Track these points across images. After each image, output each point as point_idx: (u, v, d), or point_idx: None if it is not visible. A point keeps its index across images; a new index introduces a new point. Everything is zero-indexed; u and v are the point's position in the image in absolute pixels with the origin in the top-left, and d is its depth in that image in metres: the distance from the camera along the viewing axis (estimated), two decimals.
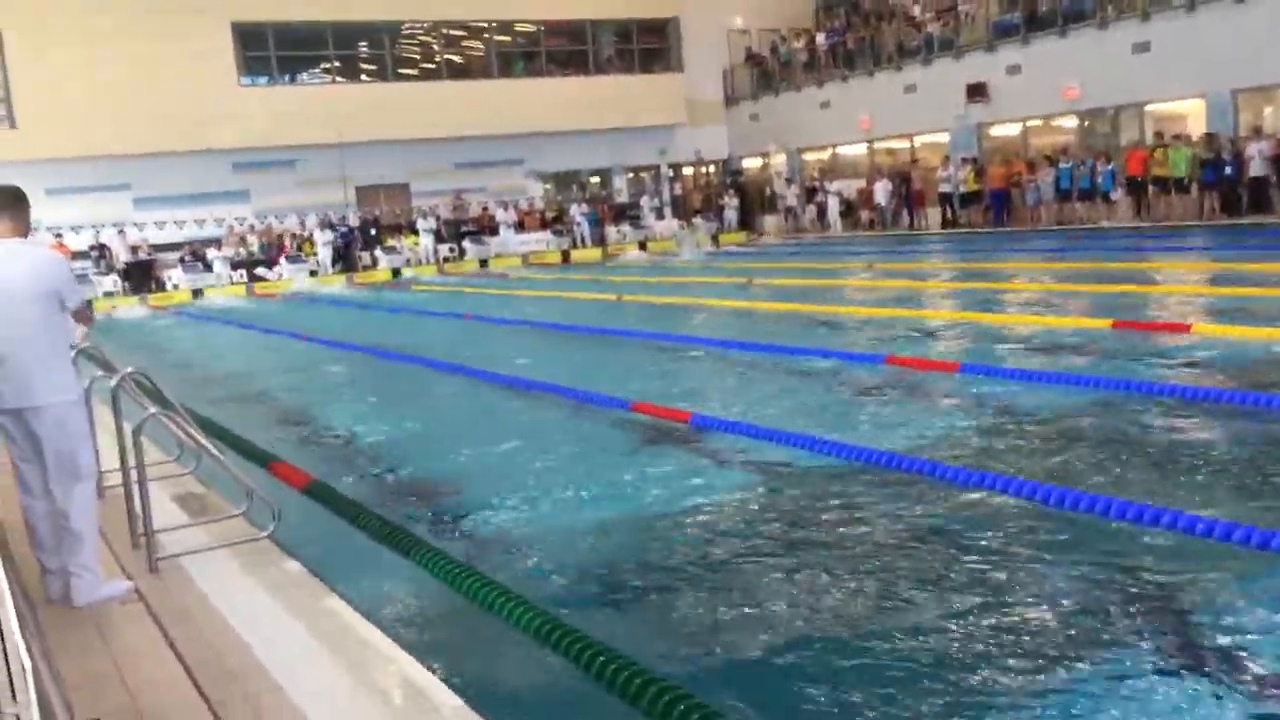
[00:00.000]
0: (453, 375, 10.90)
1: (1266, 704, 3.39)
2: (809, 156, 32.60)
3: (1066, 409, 7.25)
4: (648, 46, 34.02)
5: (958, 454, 6.40)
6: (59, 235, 26.37)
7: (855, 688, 3.70)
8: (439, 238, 29.63)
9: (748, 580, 4.77)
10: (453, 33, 31.78)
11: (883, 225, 28.17)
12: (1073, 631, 3.98)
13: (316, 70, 30.52)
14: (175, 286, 26.70)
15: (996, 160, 25.74)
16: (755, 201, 33.79)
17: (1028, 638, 3.95)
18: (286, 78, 29.90)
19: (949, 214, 26.38)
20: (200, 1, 27.37)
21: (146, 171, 27.90)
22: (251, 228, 29.44)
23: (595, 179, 34.80)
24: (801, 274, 18.74)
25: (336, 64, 30.47)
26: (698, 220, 31.74)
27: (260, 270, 27.71)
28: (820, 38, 31.55)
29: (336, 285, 26.95)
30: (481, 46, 32.27)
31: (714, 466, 6.70)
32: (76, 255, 25.54)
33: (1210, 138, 20.69)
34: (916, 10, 29.12)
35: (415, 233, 29.68)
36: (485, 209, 31.49)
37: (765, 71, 33.36)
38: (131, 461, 4.95)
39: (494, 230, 30.58)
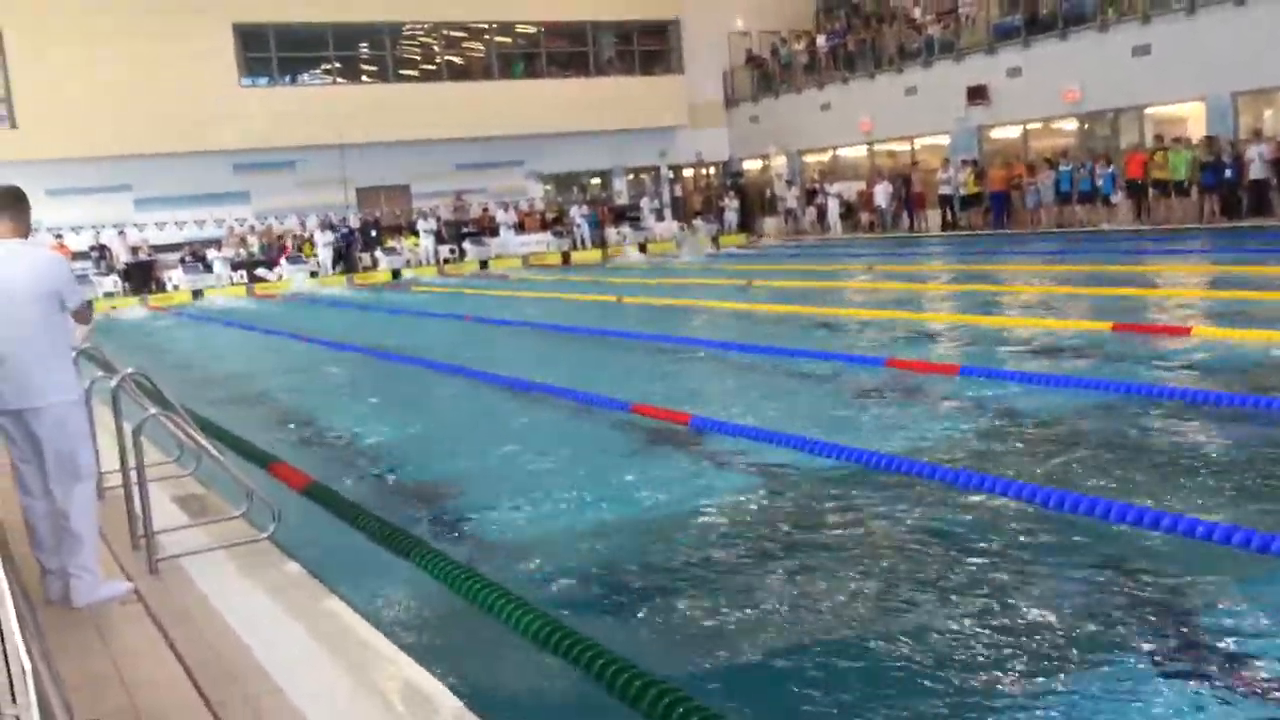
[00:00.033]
0: (453, 376, 10.90)
1: (1268, 707, 3.38)
2: (809, 158, 32.62)
3: (1066, 412, 7.25)
4: (648, 48, 34.04)
5: (958, 457, 6.40)
6: (59, 236, 26.37)
7: (855, 690, 3.70)
8: (439, 239, 29.63)
9: (747, 582, 4.77)
10: (453, 34, 31.78)
11: (883, 227, 28.18)
12: (1073, 634, 3.97)
13: (317, 71, 30.52)
14: (175, 287, 26.70)
15: (997, 163, 25.76)
16: (755, 203, 33.81)
17: (1028, 640, 3.95)
18: (287, 78, 29.90)
19: (949, 216, 26.40)
20: (201, 2, 27.38)
21: (147, 172, 27.90)
22: (252, 228, 29.44)
23: (595, 180, 34.81)
24: (801, 276, 18.74)
25: (337, 65, 30.47)
26: (698, 222, 31.75)
27: (260, 271, 27.71)
28: (821, 40, 31.56)
29: (337, 286, 26.96)
30: (482, 48, 32.28)
31: (714, 468, 6.70)
32: (77, 256, 25.54)
33: (1210, 141, 20.70)
34: (917, 13, 29.15)
35: (415, 234, 29.68)
36: (485, 210, 31.50)
37: (766, 73, 33.38)
38: (131, 462, 4.95)
39: (494, 231, 30.59)
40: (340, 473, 7.19)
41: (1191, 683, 3.56)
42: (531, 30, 32.67)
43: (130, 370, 5.42)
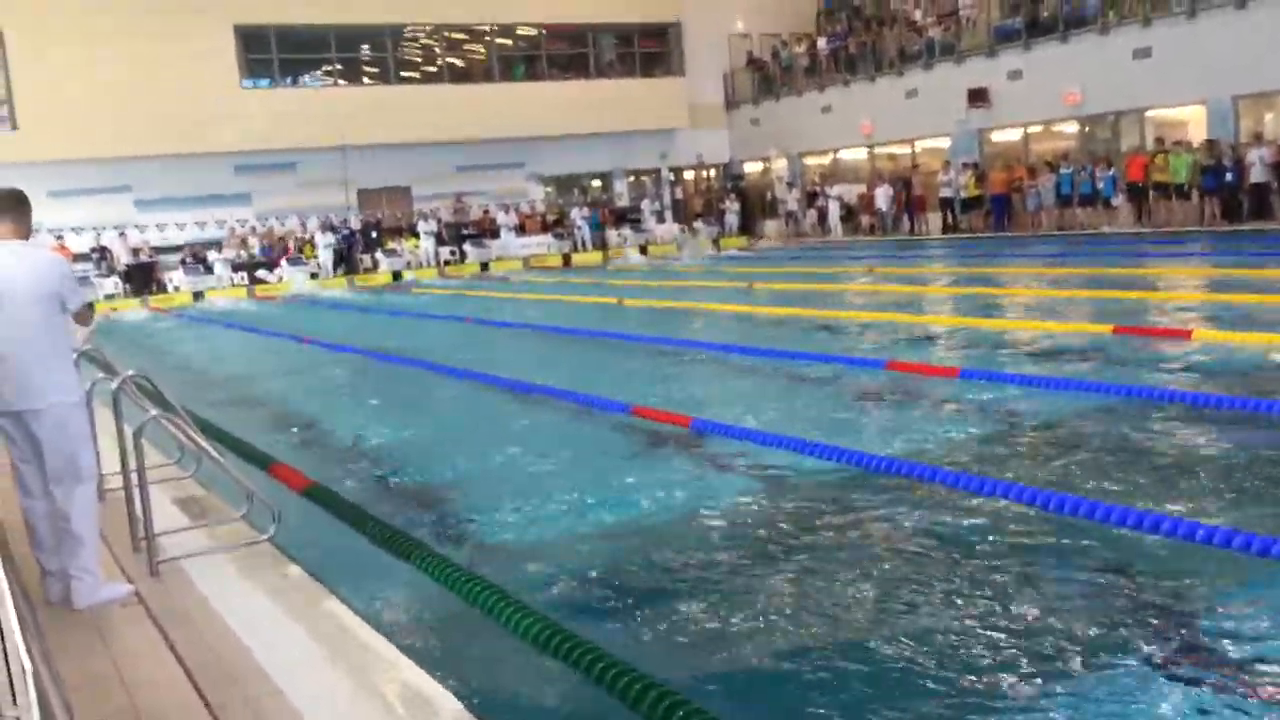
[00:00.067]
0: (453, 378, 10.90)
1: (1269, 710, 3.38)
2: (810, 161, 32.63)
3: (1067, 414, 7.25)
4: (649, 50, 34.05)
5: (958, 459, 6.40)
6: (60, 237, 26.39)
7: (856, 692, 3.70)
8: (440, 241, 29.64)
9: (748, 584, 4.77)
10: (454, 36, 31.79)
11: (883, 230, 28.19)
12: (1073, 637, 3.97)
13: (318, 73, 30.53)
14: (176, 288, 26.70)
15: (997, 165, 25.77)
16: (756, 206, 33.82)
17: (1028, 643, 3.95)
18: (288, 80, 29.89)
19: (950, 219, 26.41)
20: (202, 2, 27.40)
21: (148, 173, 27.91)
22: (253, 230, 29.46)
23: (596, 182, 34.83)
24: (802, 278, 18.74)
25: (338, 67, 30.49)
26: (699, 224, 31.78)
27: (261, 273, 27.73)
28: (822, 42, 31.58)
29: (337, 288, 26.97)
30: (483, 50, 32.30)
31: (714, 471, 6.70)
32: (78, 257, 25.55)
33: (1211, 144, 20.71)
34: (918, 15, 29.17)
35: (416, 235, 29.69)
36: (486, 212, 31.52)
37: (766, 76, 33.39)
38: (132, 464, 4.95)
39: (495, 233, 30.61)
40: (341, 475, 7.19)
41: (1192, 686, 3.56)
42: (532, 32, 32.68)
43: (131, 372, 5.42)
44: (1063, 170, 23.46)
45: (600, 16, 32.74)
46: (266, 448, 7.70)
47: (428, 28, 31.35)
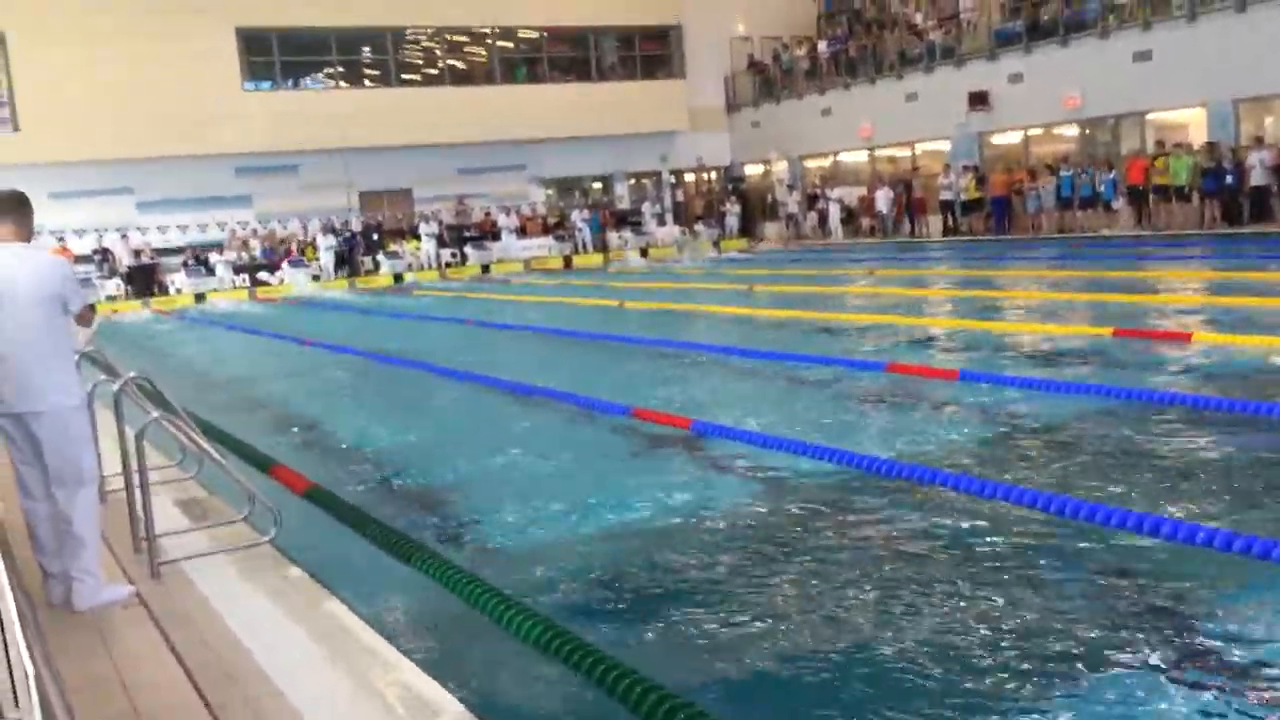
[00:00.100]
0: (454, 381, 10.90)
1: (1271, 714, 3.38)
2: (810, 164, 32.65)
3: (1067, 417, 7.25)
4: (650, 53, 34.07)
5: (958, 462, 6.40)
6: (62, 239, 26.43)
7: (856, 694, 3.70)
8: (441, 243, 29.67)
9: (749, 587, 4.77)
10: (455, 38, 31.83)
11: (884, 233, 28.21)
12: (1074, 640, 3.97)
13: (319, 75, 30.56)
14: (178, 290, 26.74)
15: (998, 168, 25.79)
16: (757, 208, 33.85)
17: (1029, 645, 3.95)
18: (290, 82, 29.93)
19: (950, 222, 26.42)
20: (203, 4, 27.43)
21: (149, 175, 27.94)
22: (254, 232, 29.49)
23: (597, 185, 34.85)
24: (803, 281, 18.75)
25: (340, 69, 30.53)
26: (699, 226, 31.80)
27: (262, 274, 27.75)
28: (822, 45, 31.61)
29: (339, 290, 26.99)
30: (484, 52, 32.33)
31: (715, 473, 6.71)
32: (79, 259, 25.57)
33: (1211, 147, 20.72)
34: (918, 18, 29.19)
35: (417, 238, 29.73)
36: (487, 214, 31.55)
37: (767, 79, 33.42)
38: (134, 466, 4.95)
39: (496, 236, 30.64)
40: (342, 477, 7.20)
41: (1192, 689, 3.56)
42: (533, 35, 32.72)
43: (133, 374, 5.42)
44: (1063, 173, 23.48)
45: (601, 19, 32.78)
46: (268, 450, 7.70)
47: (429, 30, 31.38)
